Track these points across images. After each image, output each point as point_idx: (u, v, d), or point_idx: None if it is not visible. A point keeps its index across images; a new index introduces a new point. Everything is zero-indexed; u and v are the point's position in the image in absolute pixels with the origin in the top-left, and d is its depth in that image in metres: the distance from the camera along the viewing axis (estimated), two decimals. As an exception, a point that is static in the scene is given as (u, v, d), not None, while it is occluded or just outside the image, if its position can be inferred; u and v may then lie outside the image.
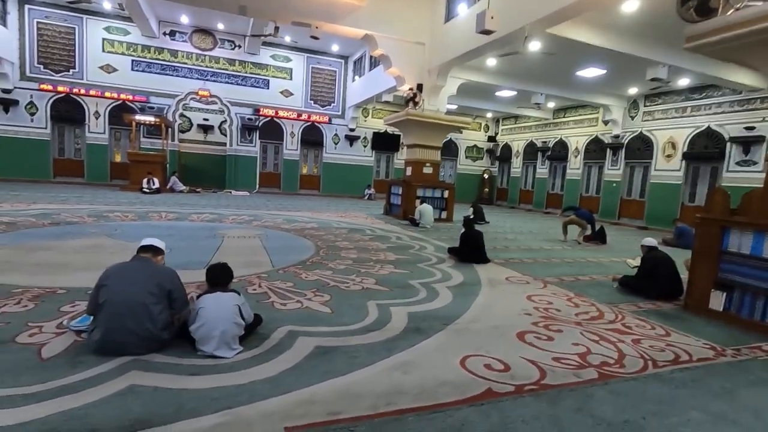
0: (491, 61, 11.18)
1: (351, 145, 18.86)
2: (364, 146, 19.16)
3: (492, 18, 7.07)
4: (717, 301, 3.99)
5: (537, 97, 13.59)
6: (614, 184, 14.85)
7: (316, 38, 10.55)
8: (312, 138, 18.25)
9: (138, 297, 2.43)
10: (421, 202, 10.32)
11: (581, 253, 7.67)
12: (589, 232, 9.03)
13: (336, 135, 18.57)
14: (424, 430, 1.94)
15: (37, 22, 14.20)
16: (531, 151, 19.01)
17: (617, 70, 10.95)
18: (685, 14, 4.22)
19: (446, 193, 11.60)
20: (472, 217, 11.43)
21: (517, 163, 20.03)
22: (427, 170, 11.57)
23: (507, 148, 20.72)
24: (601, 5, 6.67)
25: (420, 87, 10.98)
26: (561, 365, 2.73)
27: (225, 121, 16.91)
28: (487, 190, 21.26)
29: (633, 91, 13.33)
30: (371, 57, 15.89)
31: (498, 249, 7.29)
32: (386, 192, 12.54)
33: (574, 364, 2.76)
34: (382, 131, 19.12)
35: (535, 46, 9.31)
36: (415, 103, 10.74)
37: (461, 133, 19.69)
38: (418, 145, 11.39)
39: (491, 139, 21.46)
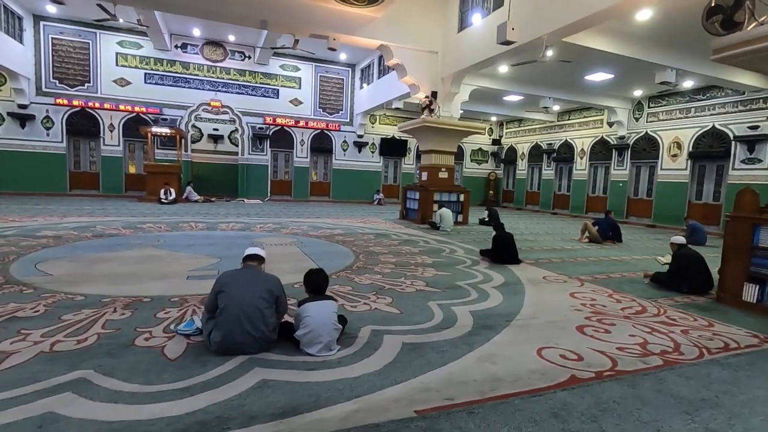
0: (503, 68, 11.51)
1: (359, 151, 19.17)
2: (372, 152, 19.47)
3: (513, 29, 7.39)
4: (750, 293, 4.28)
5: (545, 101, 13.96)
6: (621, 184, 15.20)
7: (333, 50, 10.82)
8: (321, 145, 18.54)
9: (253, 302, 2.69)
10: (440, 207, 10.60)
11: (603, 252, 7.97)
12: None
13: (345, 142, 18.86)
14: (532, 410, 2.21)
15: (52, 38, 14.45)
16: (536, 153, 19.39)
17: (625, 74, 11.33)
18: (710, 27, 4.51)
19: (462, 197, 11.90)
20: (486, 219, 11.79)
21: (522, 165, 20.39)
22: (443, 175, 11.87)
23: (512, 150, 21.09)
24: (619, 14, 7.01)
25: (434, 94, 11.30)
26: (626, 354, 3.01)
27: (236, 131, 17.20)
28: (492, 192, 21.61)
29: (638, 93, 13.72)
30: (380, 65, 16.25)
31: (523, 250, 7.54)
32: (401, 197, 12.82)
33: (637, 353, 3.04)
34: (389, 137, 19.45)
35: (548, 53, 9.62)
36: (431, 111, 11.05)
37: (467, 136, 20.03)
38: (434, 151, 11.69)
39: (496, 142, 21.82)
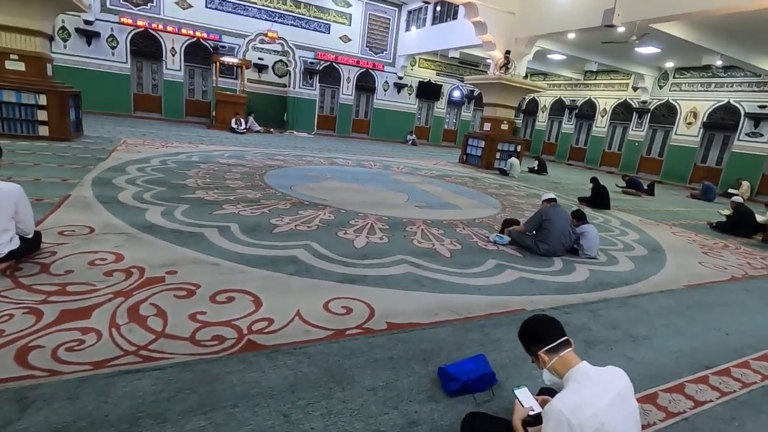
0: (571, 34, 12.85)
1: (398, 92, 20.20)
2: (410, 94, 20.56)
3: (618, 15, 8.85)
4: (791, 238, 6.60)
5: (591, 65, 15.51)
6: (636, 144, 17.48)
7: (427, 3, 11.79)
8: (365, 84, 19.40)
9: (566, 227, 4.60)
10: (509, 156, 12.45)
11: (654, 203, 10.19)
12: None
13: (386, 82, 19.78)
14: (749, 288, 4.31)
15: (116, -49, 14.09)
16: (558, 108, 21.17)
17: (673, 50, 13.01)
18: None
19: (519, 147, 13.73)
20: (536, 168, 13.71)
21: (542, 118, 22.20)
22: (504, 127, 13.55)
23: (533, 102, 22.72)
24: (715, 13, 8.56)
25: (508, 53, 12.62)
26: (750, 267, 5.19)
27: (280, 62, 17.69)
28: (509, 139, 23.45)
29: (669, 64, 15.52)
30: (434, 12, 16.95)
31: (598, 199, 9.63)
32: (463, 143, 14.47)
33: (757, 266, 5.24)
34: (426, 80, 20.50)
35: (620, 30, 11.07)
36: (507, 69, 12.45)
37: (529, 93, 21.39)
38: (499, 105, 13.25)
39: (518, 92, 23.28)
